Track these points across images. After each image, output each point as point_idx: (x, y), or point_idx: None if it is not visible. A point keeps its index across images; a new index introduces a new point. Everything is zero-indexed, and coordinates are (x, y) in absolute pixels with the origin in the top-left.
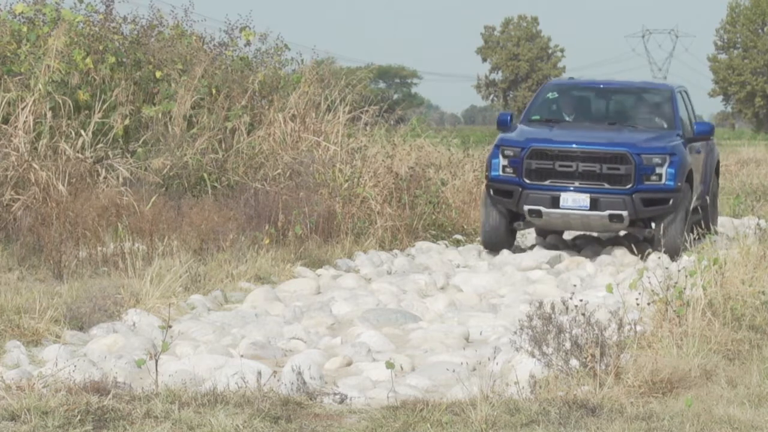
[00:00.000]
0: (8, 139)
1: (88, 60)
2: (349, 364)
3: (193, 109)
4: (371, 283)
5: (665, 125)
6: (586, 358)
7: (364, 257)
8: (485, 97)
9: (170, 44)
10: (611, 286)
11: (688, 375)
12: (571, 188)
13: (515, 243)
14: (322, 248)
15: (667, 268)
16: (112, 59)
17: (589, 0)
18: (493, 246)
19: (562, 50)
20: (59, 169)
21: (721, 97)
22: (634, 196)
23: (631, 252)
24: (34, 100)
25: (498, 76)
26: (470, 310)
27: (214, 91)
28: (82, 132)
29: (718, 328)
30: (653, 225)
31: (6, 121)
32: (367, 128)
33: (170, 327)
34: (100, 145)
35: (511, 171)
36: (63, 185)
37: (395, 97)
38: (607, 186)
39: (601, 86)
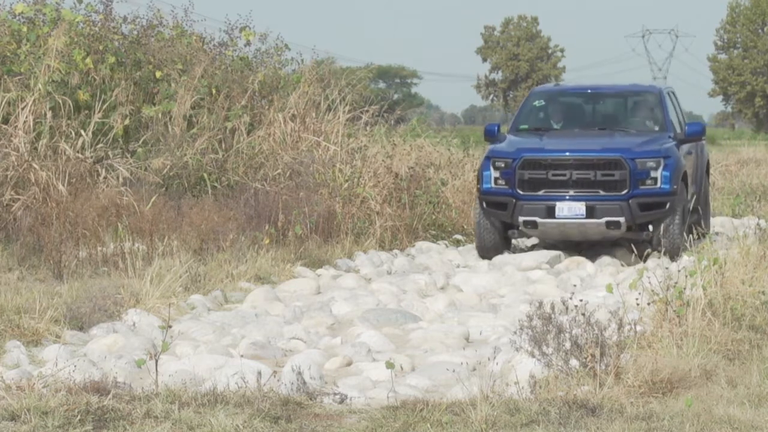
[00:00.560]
0: (8, 139)
1: (88, 60)
2: (349, 364)
3: (193, 109)
4: (371, 283)
5: (656, 128)
6: (586, 358)
7: (364, 257)
8: (485, 97)
9: (170, 44)
10: (611, 286)
11: (688, 375)
12: (567, 197)
13: (515, 243)
14: (322, 248)
15: (667, 268)
16: (112, 59)
17: (589, 0)
18: (487, 251)
19: (562, 50)
20: (59, 169)
21: (721, 97)
22: (630, 201)
23: (631, 252)
24: (34, 100)
25: (498, 76)
26: (470, 310)
27: (214, 91)
28: (82, 132)
29: (718, 328)
30: (650, 228)
31: (6, 121)
32: (367, 128)
33: (170, 327)
34: (100, 145)
35: (504, 183)
36: (63, 185)
37: (395, 97)
38: (602, 193)
39: (589, 91)
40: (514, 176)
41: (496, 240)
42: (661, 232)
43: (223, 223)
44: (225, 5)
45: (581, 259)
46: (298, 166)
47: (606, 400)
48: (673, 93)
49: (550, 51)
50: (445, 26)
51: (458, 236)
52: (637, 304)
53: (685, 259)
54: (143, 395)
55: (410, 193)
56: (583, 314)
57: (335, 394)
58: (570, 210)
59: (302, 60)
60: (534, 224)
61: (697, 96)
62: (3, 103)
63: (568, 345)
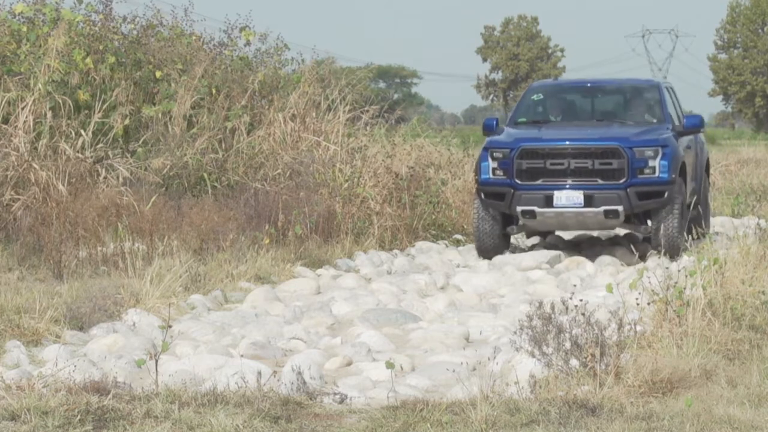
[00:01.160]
0: (8, 139)
1: (88, 60)
2: (349, 364)
3: (193, 109)
4: (371, 283)
5: (654, 120)
6: (586, 358)
7: (364, 257)
8: (485, 97)
9: (170, 44)
10: (611, 286)
11: (688, 375)
12: (566, 186)
13: (515, 243)
14: (322, 248)
15: (667, 268)
16: (112, 59)
17: (589, 0)
18: (486, 252)
19: (562, 50)
20: (59, 169)
21: (721, 97)
22: (628, 190)
23: (631, 252)
24: (34, 100)
25: (498, 76)
26: (470, 310)
27: (214, 91)
28: (82, 132)
29: (718, 328)
30: (649, 222)
31: (6, 121)
32: (367, 128)
33: (170, 327)
34: (100, 145)
35: (502, 173)
36: (63, 185)
37: (395, 97)
38: (600, 182)
39: (588, 85)
40: (512, 166)
41: (496, 240)
42: (661, 230)
43: (223, 223)
44: (225, 5)
45: (581, 259)
46: (298, 166)
47: (606, 400)
48: (672, 89)
49: (550, 51)
50: (445, 26)
51: (458, 236)
52: (637, 304)
53: (685, 259)
54: (143, 395)
55: (410, 193)
56: (583, 314)
57: (335, 394)
58: (568, 199)
59: (302, 60)
60: (532, 214)
61: (697, 96)
62: (3, 103)
63: (568, 345)
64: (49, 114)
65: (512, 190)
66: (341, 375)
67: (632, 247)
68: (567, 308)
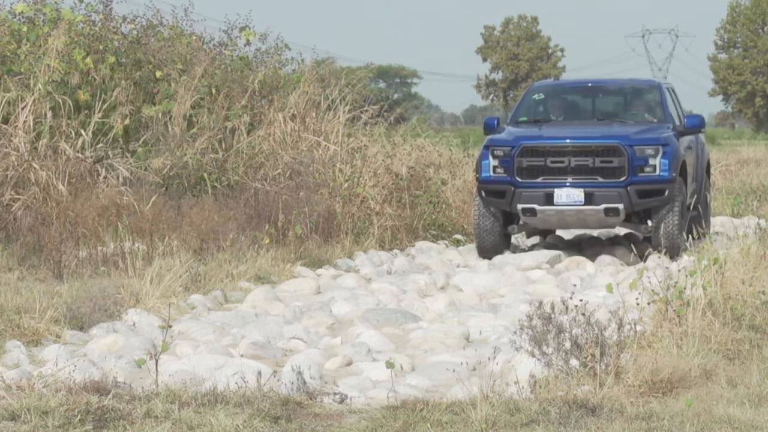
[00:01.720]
0: (8, 139)
1: (88, 60)
2: (349, 364)
3: (193, 109)
4: (371, 283)
5: (655, 120)
6: (586, 358)
7: (364, 257)
8: (485, 97)
9: (170, 44)
10: (611, 286)
11: (688, 375)
12: (567, 184)
13: (515, 243)
14: (322, 248)
15: (667, 268)
16: (112, 59)
17: (589, 0)
18: (487, 251)
19: (562, 50)
20: (59, 169)
21: (721, 97)
22: (629, 188)
23: (631, 252)
24: (34, 100)
25: (498, 75)
26: (470, 310)
27: (214, 91)
28: (82, 132)
29: (718, 328)
30: (650, 222)
31: (6, 121)
32: (367, 128)
33: (170, 327)
34: (100, 145)
35: (502, 171)
36: (63, 185)
37: (395, 97)
38: (601, 179)
39: (589, 85)
40: (513, 164)
41: (496, 238)
42: (661, 229)
43: (223, 223)
44: (225, 5)
45: (581, 258)
46: (298, 166)
47: (606, 399)
48: (673, 89)
49: (550, 51)
50: (445, 26)
51: (458, 236)
52: (637, 304)
53: (685, 259)
54: (143, 395)
55: (410, 193)
56: (583, 314)
57: (335, 394)
58: (569, 197)
59: (302, 60)
60: (533, 211)
61: (697, 96)
62: (3, 103)
63: (568, 345)
64: (49, 114)
65: (513, 188)
66: (341, 375)
67: (632, 246)
68: (567, 308)
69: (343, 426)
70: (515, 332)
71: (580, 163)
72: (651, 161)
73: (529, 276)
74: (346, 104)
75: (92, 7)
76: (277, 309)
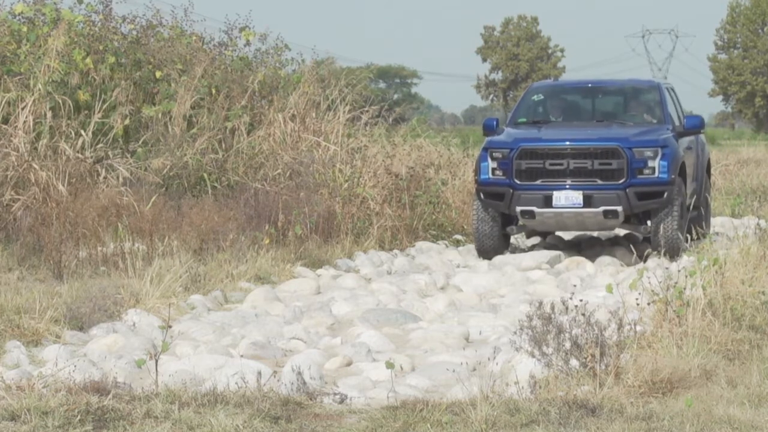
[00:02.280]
0: (8, 139)
1: (88, 60)
2: (349, 364)
3: (193, 109)
4: (371, 283)
5: (654, 120)
6: (586, 358)
7: (364, 257)
8: (485, 97)
9: (170, 44)
10: (611, 286)
11: (688, 375)
12: (566, 186)
13: (515, 243)
14: (322, 248)
15: (667, 268)
16: (112, 59)
17: (589, 0)
18: (486, 252)
19: (562, 50)
20: (59, 169)
21: (721, 97)
22: (627, 190)
23: (631, 252)
24: (34, 100)
25: (498, 76)
26: (470, 310)
27: (214, 91)
28: (82, 132)
29: (718, 328)
30: (649, 223)
31: (6, 121)
32: (367, 128)
33: (170, 327)
34: (100, 145)
35: (501, 173)
36: (63, 185)
37: (395, 97)
38: (599, 182)
39: (589, 85)
40: (512, 166)
41: (495, 240)
42: (660, 230)
43: (223, 223)
44: (225, 5)
45: (581, 259)
46: (298, 166)
47: (606, 400)
48: (673, 89)
49: (550, 51)
50: (445, 26)
51: (458, 236)
52: (637, 304)
53: (685, 259)
54: (143, 395)
55: (410, 193)
56: (583, 314)
57: (335, 394)
58: (567, 199)
59: (302, 60)
60: (531, 214)
61: (697, 96)
62: (3, 103)
63: (568, 345)
64: (49, 114)
65: (511, 190)
66: (341, 375)
67: (632, 247)
68: (567, 308)
69: (343, 426)
70: (515, 332)
71: (579, 166)
72: (650, 163)
73: (529, 276)
74: (346, 104)
75: (92, 7)
76: (277, 309)
